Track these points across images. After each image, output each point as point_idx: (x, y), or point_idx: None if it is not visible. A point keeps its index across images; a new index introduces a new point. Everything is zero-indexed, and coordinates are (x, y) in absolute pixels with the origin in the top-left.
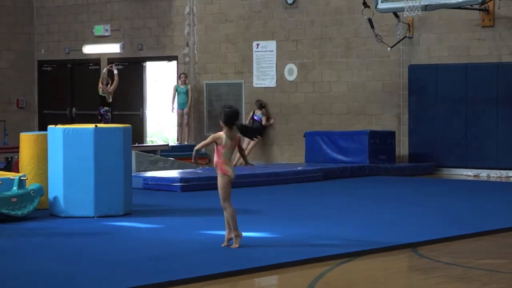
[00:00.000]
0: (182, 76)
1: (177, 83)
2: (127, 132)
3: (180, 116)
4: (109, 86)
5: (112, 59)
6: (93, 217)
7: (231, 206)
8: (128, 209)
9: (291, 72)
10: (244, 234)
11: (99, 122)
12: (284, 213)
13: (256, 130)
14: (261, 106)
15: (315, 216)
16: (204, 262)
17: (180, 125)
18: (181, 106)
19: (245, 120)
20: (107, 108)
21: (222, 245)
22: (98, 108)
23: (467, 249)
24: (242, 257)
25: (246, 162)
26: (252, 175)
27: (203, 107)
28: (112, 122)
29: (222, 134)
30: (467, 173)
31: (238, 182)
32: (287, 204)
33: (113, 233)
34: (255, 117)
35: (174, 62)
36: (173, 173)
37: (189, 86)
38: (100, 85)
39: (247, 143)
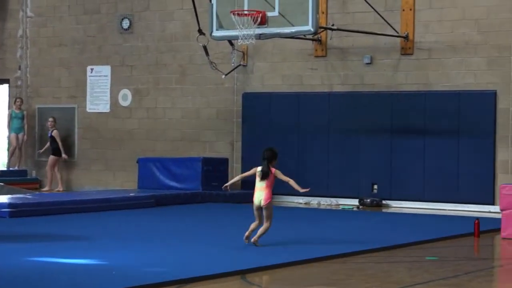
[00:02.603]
0: (18, 100)
1: (13, 107)
2: None
3: (15, 141)
4: None
5: None
6: None
7: None
8: None
9: (125, 97)
10: (71, 261)
11: None
12: (114, 239)
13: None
14: (54, 121)
15: (146, 242)
16: None
17: (13, 150)
18: (16, 131)
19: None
20: None
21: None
22: None
23: (296, 275)
24: (68, 285)
25: None
26: (82, 201)
27: (34, 132)
28: None
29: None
30: (298, 201)
31: (67, 208)
32: (117, 231)
33: None
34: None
35: (6, 85)
36: (2, 198)
37: (25, 112)
38: None
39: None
